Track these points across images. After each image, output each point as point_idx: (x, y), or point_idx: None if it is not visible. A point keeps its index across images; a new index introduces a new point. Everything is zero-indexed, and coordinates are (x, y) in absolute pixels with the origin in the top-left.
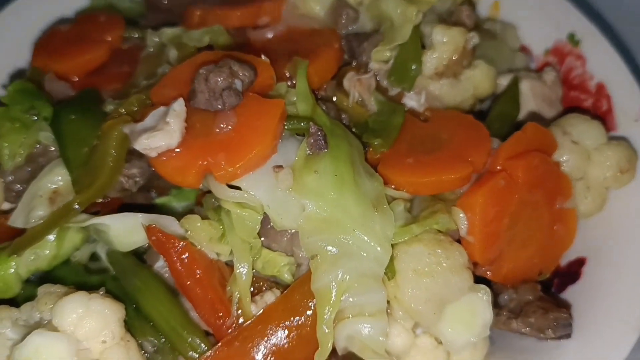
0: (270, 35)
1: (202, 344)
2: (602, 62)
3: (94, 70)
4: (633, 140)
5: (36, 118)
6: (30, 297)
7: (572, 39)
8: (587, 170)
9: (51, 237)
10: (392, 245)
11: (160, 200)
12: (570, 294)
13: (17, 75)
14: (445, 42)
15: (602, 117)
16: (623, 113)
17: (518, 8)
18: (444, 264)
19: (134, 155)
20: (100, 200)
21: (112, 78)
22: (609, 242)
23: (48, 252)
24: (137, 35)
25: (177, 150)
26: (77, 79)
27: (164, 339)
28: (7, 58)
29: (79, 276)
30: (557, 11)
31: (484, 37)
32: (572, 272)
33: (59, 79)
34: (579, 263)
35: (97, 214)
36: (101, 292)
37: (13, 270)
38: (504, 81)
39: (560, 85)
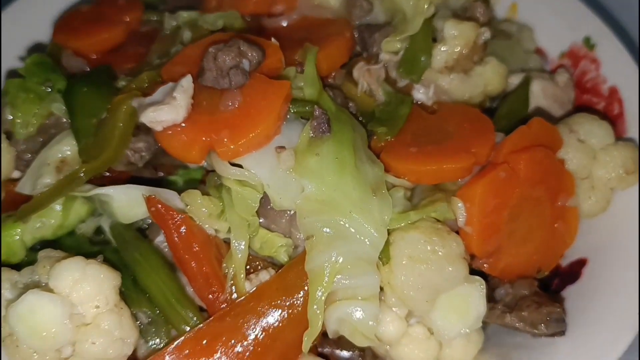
0: (284, 23)
1: (195, 318)
2: (616, 66)
3: (111, 50)
4: None
5: (50, 90)
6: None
7: (588, 42)
8: (592, 169)
9: (57, 207)
10: (389, 231)
11: (170, 178)
12: (568, 293)
13: (35, 49)
14: (456, 36)
15: (613, 120)
16: (633, 117)
17: (536, 10)
18: (439, 253)
19: (141, 130)
20: (108, 174)
21: (128, 58)
22: (611, 244)
23: (54, 221)
24: (155, 19)
25: (183, 125)
26: (94, 57)
27: (158, 311)
28: (28, 32)
29: (82, 247)
30: (574, 14)
31: (499, 36)
32: (573, 272)
33: (77, 56)
34: (580, 264)
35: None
36: (99, 259)
37: (18, 237)
38: (516, 80)
39: (573, 88)
